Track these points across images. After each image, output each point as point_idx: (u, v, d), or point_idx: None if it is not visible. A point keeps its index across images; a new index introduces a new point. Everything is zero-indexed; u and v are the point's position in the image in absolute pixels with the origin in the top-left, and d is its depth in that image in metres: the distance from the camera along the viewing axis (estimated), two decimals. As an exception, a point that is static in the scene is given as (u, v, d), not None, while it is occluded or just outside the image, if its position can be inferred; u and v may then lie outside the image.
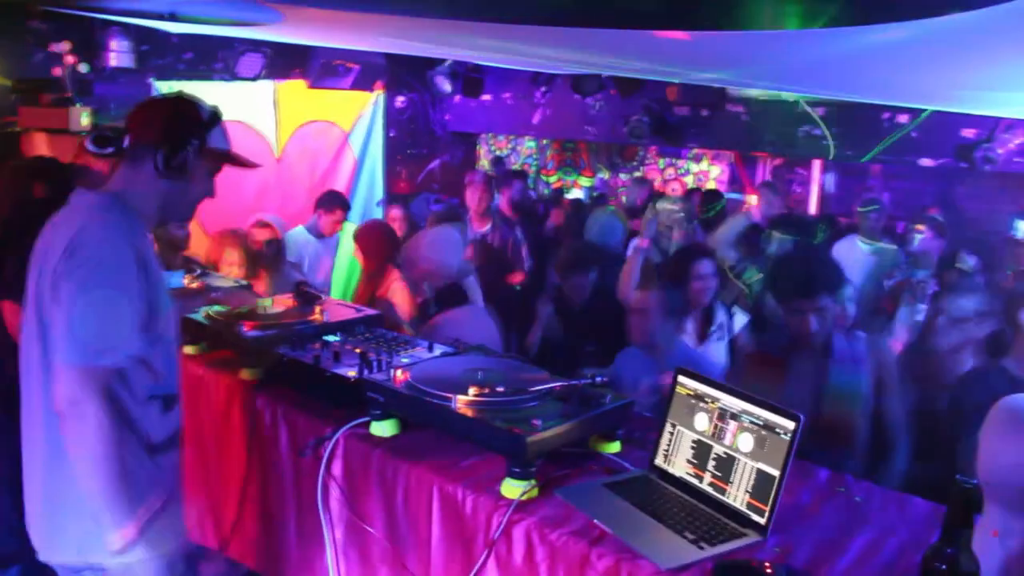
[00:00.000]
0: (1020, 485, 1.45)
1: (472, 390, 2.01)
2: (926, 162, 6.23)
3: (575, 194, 10.14)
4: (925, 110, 5.91)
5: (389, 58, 7.39)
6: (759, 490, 1.77)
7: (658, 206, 4.93)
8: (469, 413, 1.97)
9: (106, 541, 1.70)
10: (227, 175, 2.05)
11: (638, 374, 3.14)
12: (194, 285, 3.09)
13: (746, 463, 1.82)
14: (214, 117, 1.94)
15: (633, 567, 1.64)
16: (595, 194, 9.90)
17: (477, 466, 2.02)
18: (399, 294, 3.86)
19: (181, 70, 5.96)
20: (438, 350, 2.53)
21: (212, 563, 2.65)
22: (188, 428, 2.10)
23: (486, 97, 8.04)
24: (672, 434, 2.00)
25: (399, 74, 7.71)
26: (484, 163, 9.81)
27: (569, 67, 6.18)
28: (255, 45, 6.03)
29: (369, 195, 7.65)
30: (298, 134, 7.00)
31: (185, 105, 1.92)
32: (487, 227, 5.53)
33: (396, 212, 6.04)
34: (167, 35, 5.68)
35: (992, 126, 5.71)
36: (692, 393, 1.99)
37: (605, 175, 10.87)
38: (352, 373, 2.30)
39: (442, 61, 7.32)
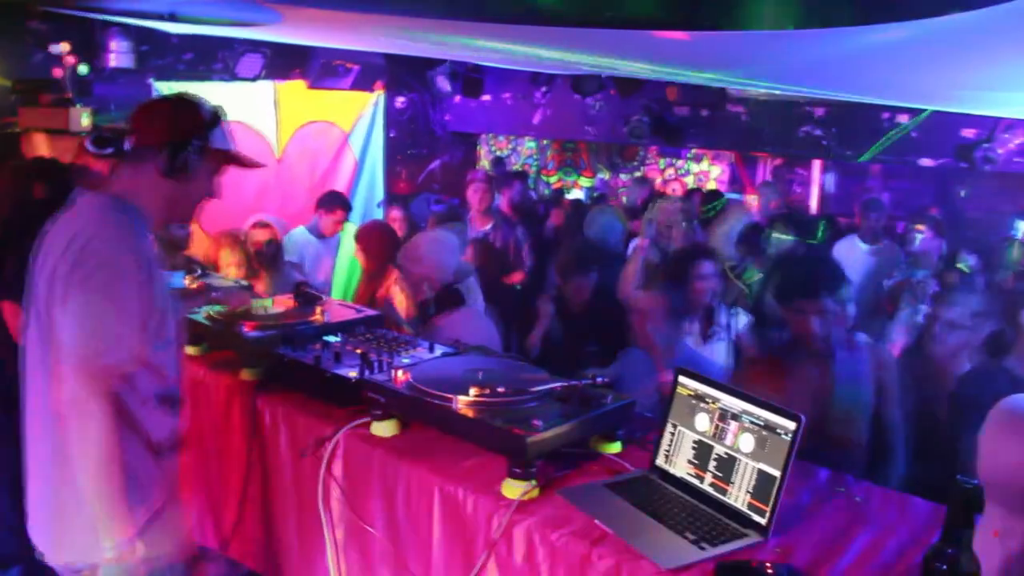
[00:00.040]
0: (1021, 485, 1.45)
1: (473, 390, 2.01)
2: (926, 162, 6.23)
3: (575, 194, 10.15)
4: (925, 110, 5.91)
5: (389, 58, 7.39)
6: (760, 490, 1.77)
7: (657, 206, 4.93)
8: (470, 413, 1.97)
9: (105, 542, 1.69)
10: (227, 175, 2.05)
11: (640, 375, 3.14)
12: (194, 285, 3.09)
13: (747, 463, 1.82)
14: (216, 117, 1.94)
15: (634, 567, 1.64)
16: (595, 194, 9.90)
17: (478, 466, 2.02)
18: (399, 295, 3.86)
19: (181, 71, 5.97)
20: (439, 350, 2.53)
21: (212, 563, 2.65)
22: (189, 429, 2.10)
23: (486, 97, 8.04)
24: (673, 434, 2.00)
25: (399, 74, 7.71)
26: (484, 163, 9.82)
27: (569, 67, 6.18)
28: (255, 45, 6.03)
29: (369, 195, 7.65)
30: (298, 134, 7.00)
31: (187, 105, 1.92)
32: (488, 226, 5.53)
33: (396, 213, 6.05)
34: (167, 35, 5.69)
35: (992, 126, 5.71)
36: (693, 393, 1.99)
37: (605, 175, 10.87)
38: (353, 373, 2.30)
39: (442, 61, 7.32)
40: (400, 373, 2.18)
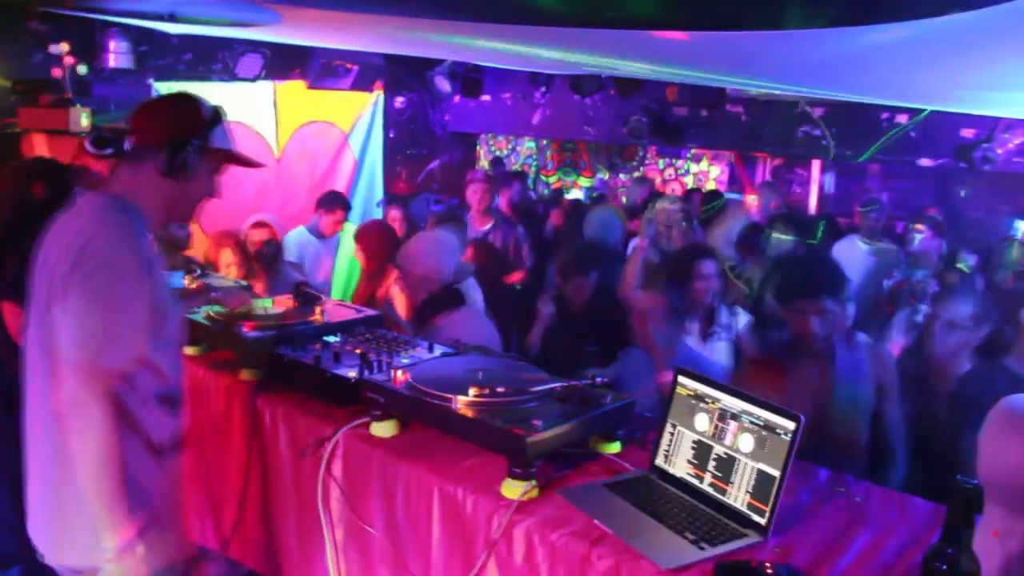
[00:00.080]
0: (1021, 485, 1.45)
1: (472, 390, 2.01)
2: (925, 162, 6.24)
3: (575, 194, 10.15)
4: (924, 110, 5.92)
5: (388, 58, 7.40)
6: (760, 490, 1.77)
7: (656, 206, 4.93)
8: (469, 413, 1.97)
9: (104, 543, 1.68)
10: (227, 175, 2.05)
11: (641, 375, 3.14)
12: (193, 286, 3.09)
13: (747, 463, 1.82)
14: (217, 116, 1.93)
15: (634, 567, 1.64)
16: (595, 194, 9.91)
17: (477, 466, 2.02)
18: (398, 295, 3.86)
19: (180, 71, 5.97)
20: (438, 350, 2.53)
21: (212, 563, 2.65)
22: (189, 429, 2.10)
23: (485, 97, 8.04)
24: (672, 434, 2.00)
25: (398, 74, 7.71)
26: (484, 163, 9.82)
27: (566, 68, 6.18)
28: (254, 46, 6.03)
29: (369, 195, 7.65)
30: (298, 135, 7.00)
31: (187, 104, 1.91)
32: (488, 225, 5.53)
33: (395, 213, 6.05)
34: (166, 36, 5.69)
35: (991, 126, 5.72)
36: (692, 393, 1.99)
37: (605, 175, 10.87)
38: (352, 374, 2.30)
39: (441, 61, 7.32)
40: (400, 373, 2.18)
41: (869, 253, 5.28)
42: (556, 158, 11.15)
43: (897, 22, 2.50)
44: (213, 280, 3.14)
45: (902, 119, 6.19)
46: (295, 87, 6.83)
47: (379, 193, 7.74)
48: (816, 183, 9.43)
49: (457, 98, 8.07)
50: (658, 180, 10.14)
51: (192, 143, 1.84)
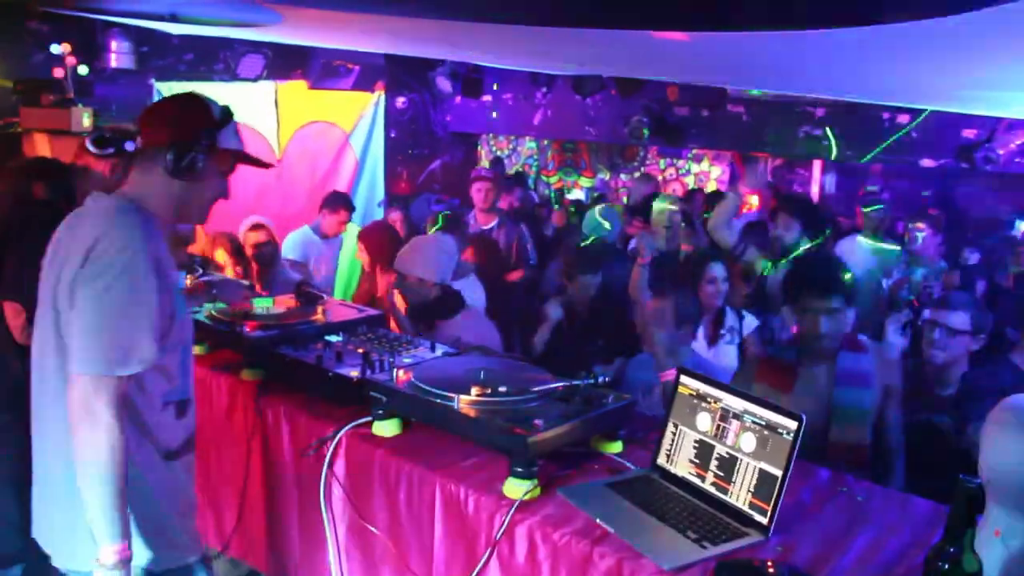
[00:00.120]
0: (1022, 485, 1.45)
1: (474, 390, 2.01)
2: (927, 162, 6.24)
3: (576, 195, 10.15)
4: (926, 110, 5.92)
5: (389, 59, 7.40)
6: (761, 490, 1.77)
7: (655, 207, 4.92)
8: (471, 413, 1.97)
9: (100, 554, 1.64)
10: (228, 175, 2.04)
11: (650, 380, 3.14)
12: (194, 284, 3.10)
13: (748, 463, 1.82)
14: (225, 116, 1.90)
15: (635, 566, 1.64)
16: (595, 194, 9.91)
17: (479, 466, 2.02)
18: (397, 297, 3.87)
19: (182, 71, 5.97)
20: (440, 350, 2.53)
21: (215, 563, 2.65)
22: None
23: (486, 98, 8.05)
24: (675, 434, 2.00)
25: (399, 75, 7.72)
26: (484, 163, 9.82)
27: (569, 68, 6.18)
28: (256, 46, 6.03)
29: (370, 196, 7.65)
30: (299, 135, 7.00)
31: (194, 105, 1.89)
32: (492, 224, 5.52)
33: (396, 214, 6.04)
34: (168, 36, 5.69)
35: (993, 126, 5.72)
36: (694, 393, 2.00)
37: (606, 175, 10.87)
38: (355, 373, 2.30)
39: (442, 61, 7.33)
40: (402, 373, 2.18)
41: (871, 252, 5.27)
42: (557, 158, 11.15)
43: (899, 22, 2.50)
44: (214, 278, 3.14)
45: (903, 119, 6.19)
46: (296, 87, 6.84)
47: (380, 193, 7.75)
48: (817, 183, 9.42)
49: (458, 98, 8.07)
50: (659, 180, 10.13)
51: (200, 144, 1.82)
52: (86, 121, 4.47)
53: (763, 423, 1.82)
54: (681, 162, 10.33)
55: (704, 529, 1.75)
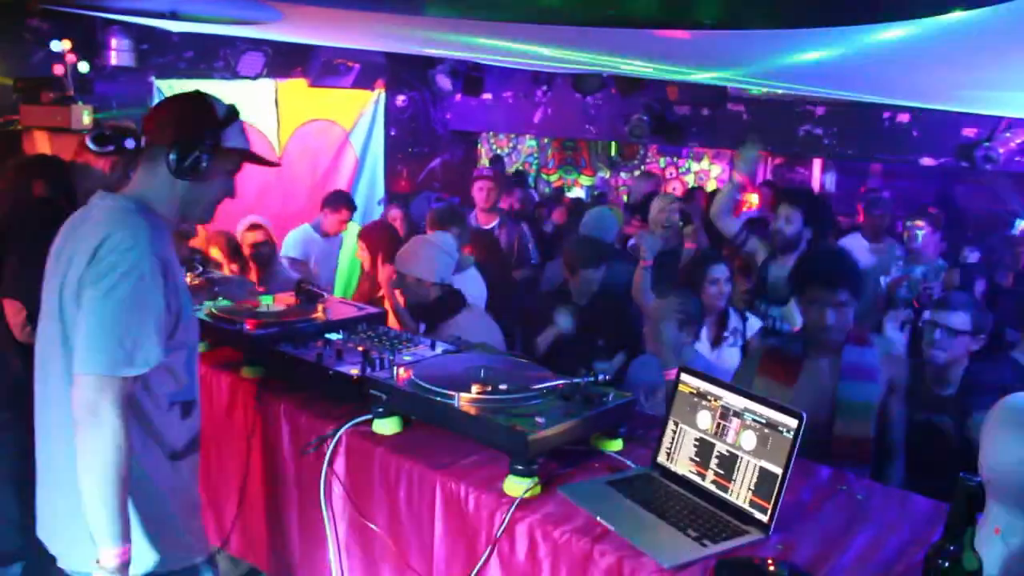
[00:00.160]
0: (1023, 483, 1.45)
1: (475, 388, 2.01)
2: (927, 161, 6.24)
3: (576, 193, 10.15)
4: (926, 109, 5.92)
5: (389, 57, 7.40)
6: (762, 488, 1.77)
7: (653, 205, 4.92)
8: (472, 411, 1.97)
9: (100, 556, 1.63)
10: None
11: (653, 381, 3.14)
12: (196, 282, 3.10)
13: (749, 461, 1.82)
14: (230, 115, 1.89)
15: (636, 564, 1.64)
16: (596, 192, 9.91)
17: (480, 464, 2.02)
18: (398, 292, 3.88)
19: (182, 69, 5.97)
20: (440, 348, 2.53)
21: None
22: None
23: (487, 96, 8.04)
24: (675, 432, 2.01)
25: (400, 73, 7.72)
26: (484, 162, 9.82)
27: (569, 66, 6.18)
28: (256, 44, 6.03)
29: (370, 194, 7.66)
30: (299, 133, 7.00)
31: (198, 104, 1.88)
32: (494, 223, 5.51)
33: (395, 212, 6.04)
34: (168, 34, 5.69)
35: (993, 125, 5.72)
36: (695, 391, 2.00)
37: (606, 174, 10.88)
38: (355, 371, 2.30)
39: (442, 60, 7.33)
40: (402, 370, 2.18)
41: (871, 251, 5.27)
42: (557, 156, 11.16)
43: (898, 22, 2.50)
44: (216, 275, 3.15)
45: (903, 118, 6.20)
46: (296, 85, 6.84)
47: (380, 191, 7.75)
48: (817, 182, 9.43)
49: (458, 96, 8.07)
50: (660, 177, 10.14)
51: (203, 143, 1.81)
52: (86, 119, 4.47)
53: (763, 421, 1.82)
54: (681, 160, 10.34)
55: (704, 527, 1.75)
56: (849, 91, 5.29)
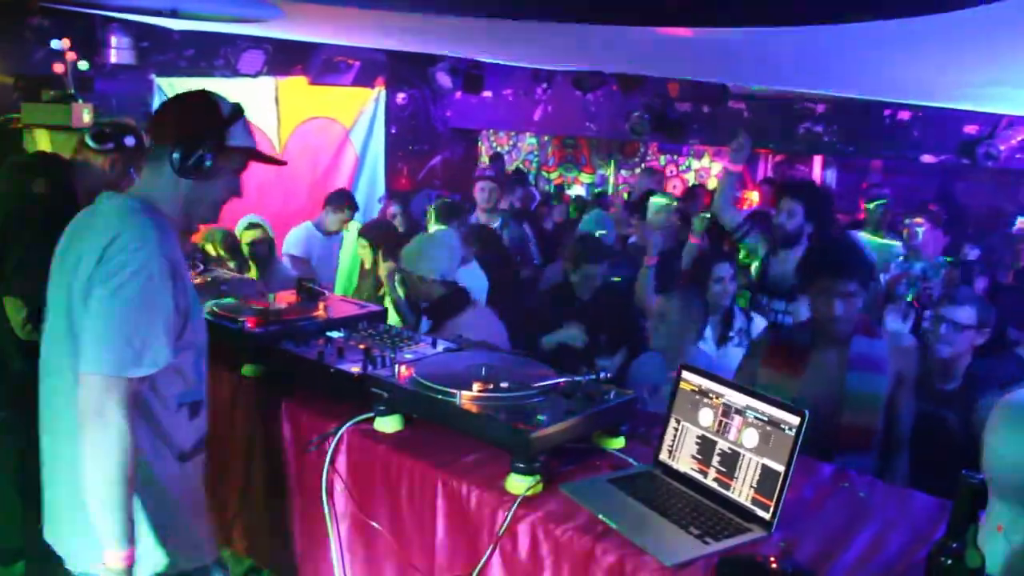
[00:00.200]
0: (1025, 480, 1.46)
1: (476, 386, 2.01)
2: (928, 158, 6.24)
3: (576, 190, 10.14)
4: (927, 106, 5.92)
5: (390, 54, 7.39)
6: (764, 485, 1.77)
7: (651, 204, 4.91)
8: (473, 409, 1.97)
9: (106, 558, 1.62)
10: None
11: (657, 379, 3.14)
12: (198, 280, 3.10)
13: (751, 458, 1.82)
14: (234, 114, 1.88)
15: (637, 562, 1.64)
16: (596, 190, 9.90)
17: (481, 462, 2.02)
18: (398, 285, 3.89)
19: (182, 67, 5.97)
20: (441, 346, 2.53)
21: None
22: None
23: (487, 93, 8.04)
24: (677, 430, 2.00)
25: (400, 70, 7.71)
26: (485, 160, 9.81)
27: (570, 64, 6.18)
28: (256, 41, 6.03)
29: (371, 192, 7.65)
30: (299, 131, 7.00)
31: (202, 102, 1.86)
32: (495, 224, 5.51)
33: (394, 209, 6.04)
34: (168, 31, 5.68)
35: (994, 122, 5.72)
36: (696, 389, 1.99)
37: (606, 171, 10.86)
38: (356, 369, 2.30)
39: (443, 57, 7.32)
40: (403, 368, 2.18)
41: (873, 248, 5.27)
42: (557, 154, 11.15)
43: (899, 19, 2.50)
44: (219, 274, 3.14)
45: (904, 116, 6.19)
46: (297, 83, 6.83)
47: (381, 189, 7.74)
48: (818, 179, 9.41)
49: (459, 94, 8.06)
50: (662, 175, 10.12)
51: (207, 142, 1.80)
52: (86, 117, 4.46)
53: (765, 419, 1.82)
54: (681, 158, 10.32)
55: (706, 525, 1.75)
56: (850, 90, 5.29)
